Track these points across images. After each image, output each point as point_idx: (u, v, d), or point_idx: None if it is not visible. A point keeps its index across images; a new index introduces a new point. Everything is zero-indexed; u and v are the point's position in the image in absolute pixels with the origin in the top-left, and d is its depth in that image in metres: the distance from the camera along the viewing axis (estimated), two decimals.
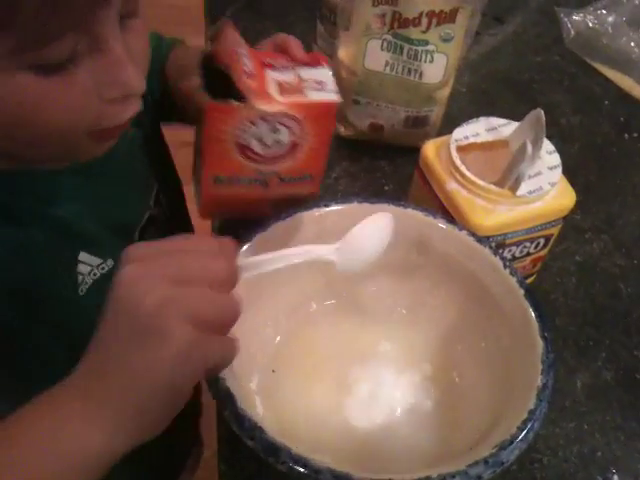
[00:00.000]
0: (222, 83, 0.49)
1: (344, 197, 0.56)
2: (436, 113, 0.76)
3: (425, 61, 0.71)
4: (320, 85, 0.52)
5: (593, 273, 0.70)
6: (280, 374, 0.56)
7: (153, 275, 0.35)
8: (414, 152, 0.65)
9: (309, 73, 0.53)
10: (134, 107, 0.44)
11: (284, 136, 0.52)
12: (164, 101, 0.63)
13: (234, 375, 0.46)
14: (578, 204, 0.60)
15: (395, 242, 0.56)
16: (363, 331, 0.59)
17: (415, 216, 0.55)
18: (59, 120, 0.40)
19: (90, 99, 0.41)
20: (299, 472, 0.40)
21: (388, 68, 0.72)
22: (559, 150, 0.61)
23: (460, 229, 0.54)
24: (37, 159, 0.46)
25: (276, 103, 0.49)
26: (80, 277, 0.49)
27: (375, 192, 0.74)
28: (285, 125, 0.51)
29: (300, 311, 0.59)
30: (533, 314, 0.49)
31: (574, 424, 0.58)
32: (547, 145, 0.61)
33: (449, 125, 0.64)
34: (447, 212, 0.59)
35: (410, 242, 0.56)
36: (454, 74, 0.74)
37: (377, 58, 0.71)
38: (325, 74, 0.53)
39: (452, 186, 0.59)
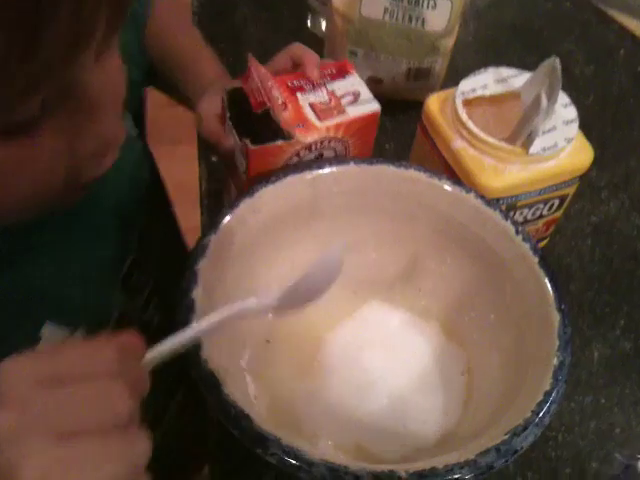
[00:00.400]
0: (249, 117, 0.48)
1: (339, 157, 0.51)
2: (440, 64, 0.70)
3: (428, 7, 0.65)
4: (355, 97, 0.51)
5: (610, 235, 0.66)
6: (275, 347, 0.52)
7: (35, 429, 0.27)
8: (417, 107, 0.60)
9: (340, 86, 0.52)
10: (113, 156, 0.38)
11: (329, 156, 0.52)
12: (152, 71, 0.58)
13: (220, 354, 0.42)
14: (593, 160, 0.55)
15: (396, 206, 0.52)
16: (363, 302, 0.55)
17: (418, 178, 0.50)
18: (26, 187, 0.33)
19: (61, 159, 0.34)
20: (290, 464, 0.36)
21: (387, 15, 0.66)
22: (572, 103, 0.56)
23: (467, 191, 0.49)
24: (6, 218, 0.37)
25: (317, 130, 0.49)
26: None
27: (374, 151, 0.69)
28: (330, 148, 0.51)
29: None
30: (548, 284, 0.45)
31: (590, 398, 0.54)
32: (562, 97, 0.56)
33: (454, 78, 0.59)
34: (453, 172, 0.54)
35: (412, 206, 0.51)
36: (459, 22, 0.68)
37: (375, 4, 0.65)
38: (357, 82, 0.52)
39: (458, 144, 0.53)
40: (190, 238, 0.67)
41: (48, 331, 0.43)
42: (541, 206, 0.56)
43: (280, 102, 0.49)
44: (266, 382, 0.50)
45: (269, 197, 0.48)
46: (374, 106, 0.50)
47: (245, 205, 0.47)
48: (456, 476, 0.37)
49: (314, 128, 0.49)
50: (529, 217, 0.56)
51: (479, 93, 0.55)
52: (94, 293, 0.49)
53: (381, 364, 0.51)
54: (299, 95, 0.50)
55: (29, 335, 0.43)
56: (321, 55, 0.65)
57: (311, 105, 0.50)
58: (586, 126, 0.56)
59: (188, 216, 0.73)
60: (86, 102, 0.33)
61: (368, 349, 0.52)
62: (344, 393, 0.50)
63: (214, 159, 0.67)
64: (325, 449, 0.46)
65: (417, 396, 0.49)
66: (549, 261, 0.46)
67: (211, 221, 0.47)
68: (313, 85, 0.51)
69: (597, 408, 0.54)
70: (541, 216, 0.57)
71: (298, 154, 0.50)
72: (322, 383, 0.50)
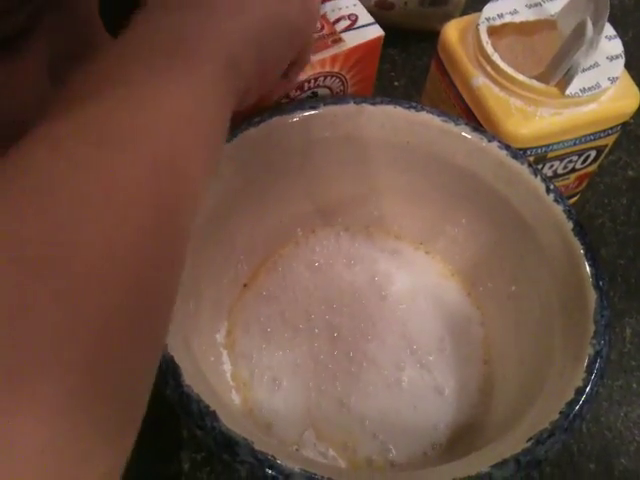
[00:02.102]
0: None
1: (335, 96, 0.43)
2: None
3: None
4: (352, 21, 0.43)
5: None
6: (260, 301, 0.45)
7: None
8: (432, 38, 0.51)
9: (333, 8, 0.43)
10: None
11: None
12: None
13: (185, 329, 0.35)
14: None
15: (404, 156, 0.44)
16: (363, 265, 0.47)
17: (431, 122, 0.42)
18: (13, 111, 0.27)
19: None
20: (264, 475, 0.30)
21: None
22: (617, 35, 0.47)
23: (490, 139, 0.41)
24: None
25: (310, 66, 0.40)
26: None
27: (382, 89, 0.60)
28: (325, 86, 0.43)
29: (282, 238, 0.47)
30: (585, 256, 0.37)
31: (620, 382, 0.47)
32: (607, 28, 0.46)
33: (476, 6, 0.49)
34: (473, 116, 0.45)
35: (424, 156, 0.43)
36: None
37: None
38: (351, 2, 0.43)
39: (480, 81, 0.45)
40: None
41: None
42: (575, 158, 0.47)
43: None
44: (246, 358, 0.43)
45: (251, 143, 0.40)
46: (376, 31, 0.42)
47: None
48: None
49: None
50: (560, 171, 0.48)
51: (507, 20, 0.46)
52: None
53: (386, 340, 0.44)
54: None
55: None
56: None
57: None
58: (625, 64, 0.47)
59: None
60: (79, 18, 0.27)
61: (369, 324, 0.44)
62: (339, 371, 0.43)
63: None
64: (308, 442, 0.40)
65: (428, 380, 0.42)
66: (585, 228, 0.38)
67: None
68: None
69: (628, 394, 0.47)
70: (573, 170, 0.49)
71: (287, 95, 0.41)
72: (308, 357, 0.43)
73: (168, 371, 0.32)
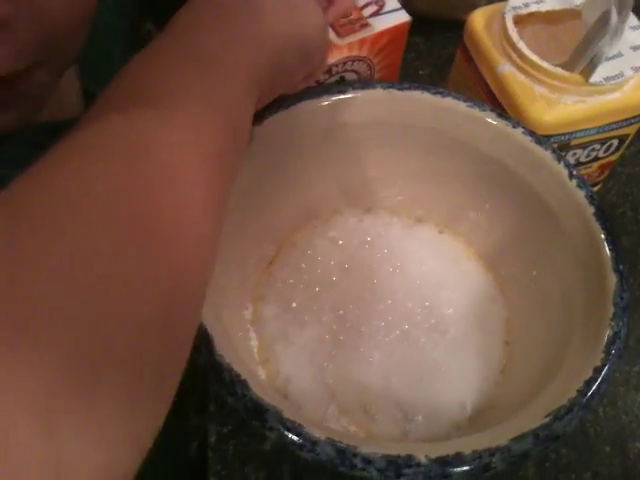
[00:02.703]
0: None
1: (363, 81, 0.44)
2: None
3: None
4: (380, 6, 0.43)
5: None
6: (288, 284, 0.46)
7: None
8: (457, 28, 0.51)
9: None
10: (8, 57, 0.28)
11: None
12: None
13: (216, 305, 0.36)
14: None
15: (429, 141, 0.44)
16: (387, 245, 0.48)
17: (456, 108, 0.42)
18: None
19: None
20: (292, 441, 0.31)
21: None
22: None
23: (514, 126, 0.42)
24: None
25: (339, 49, 0.42)
26: None
27: (407, 77, 0.61)
28: (353, 70, 0.44)
29: (307, 218, 0.48)
30: (605, 240, 0.38)
31: (638, 367, 0.48)
32: (630, 18, 0.47)
33: None
34: (498, 103, 0.46)
35: (449, 141, 0.44)
36: None
37: None
38: None
39: (506, 68, 0.45)
40: None
41: None
42: (598, 146, 0.48)
43: None
44: (273, 336, 0.44)
45: (280, 125, 0.41)
46: (403, 16, 0.43)
47: (252, 134, 0.40)
48: (485, 463, 0.31)
49: (334, 47, 0.42)
50: (582, 159, 0.49)
51: (533, 9, 0.47)
52: None
53: (408, 318, 0.45)
54: None
55: None
56: None
57: None
58: None
59: None
60: None
61: (395, 302, 0.45)
62: (363, 347, 0.44)
63: None
64: (330, 418, 0.41)
65: (450, 358, 0.43)
66: (606, 213, 0.39)
67: None
68: None
69: None
70: (596, 158, 0.50)
71: (317, 79, 0.42)
72: (332, 336, 0.44)
73: (202, 341, 0.33)
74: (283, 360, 0.43)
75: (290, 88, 0.35)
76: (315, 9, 0.34)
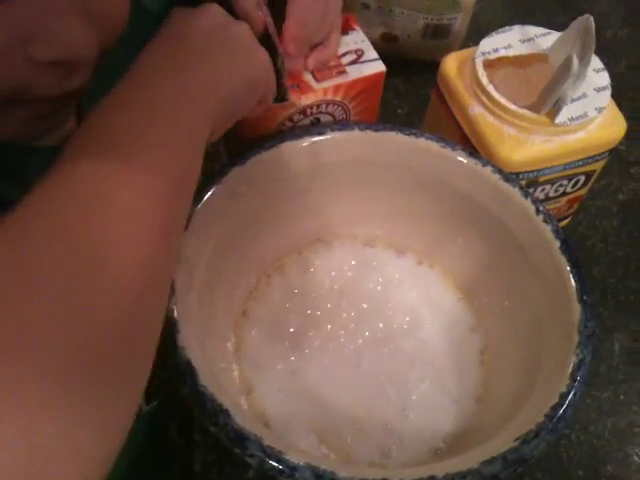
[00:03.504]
0: None
1: (342, 122, 0.46)
2: (461, 21, 0.64)
3: None
4: (358, 55, 0.46)
5: (638, 215, 0.60)
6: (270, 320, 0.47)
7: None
8: (433, 68, 0.54)
9: (342, 43, 0.47)
10: (80, 76, 0.29)
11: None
12: None
13: (201, 336, 0.38)
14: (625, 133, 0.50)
15: (405, 179, 0.47)
16: (366, 279, 0.50)
17: (429, 148, 0.45)
18: None
19: (10, 57, 0.27)
20: (272, 467, 0.33)
21: None
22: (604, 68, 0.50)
23: (484, 164, 0.44)
24: None
25: (314, 92, 0.44)
26: None
27: (386, 116, 0.64)
28: (328, 113, 0.46)
29: (289, 250, 0.50)
30: (570, 272, 0.40)
31: (608, 394, 0.50)
32: (594, 61, 0.50)
33: (475, 37, 0.53)
34: (469, 142, 0.49)
35: (423, 179, 0.46)
36: None
37: None
38: (360, 39, 0.47)
39: (476, 110, 0.48)
40: None
41: None
42: (565, 182, 0.51)
43: None
44: (255, 367, 0.46)
45: (263, 165, 0.44)
46: (379, 66, 0.45)
47: (236, 174, 0.43)
48: None
49: (310, 89, 0.44)
50: (551, 194, 0.51)
51: (502, 53, 0.50)
52: None
53: (387, 346, 0.47)
54: None
55: None
56: None
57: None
58: (617, 95, 0.50)
59: None
60: None
61: (372, 332, 0.47)
62: (342, 377, 0.45)
63: None
64: (310, 446, 0.43)
65: (429, 386, 0.45)
66: (572, 246, 0.41)
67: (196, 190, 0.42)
68: None
69: (615, 405, 0.50)
70: (564, 193, 0.52)
71: (291, 119, 0.45)
72: (312, 364, 0.46)
73: (186, 372, 0.35)
74: (264, 390, 0.45)
75: (246, 115, 0.39)
76: (259, 49, 0.38)
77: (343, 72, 0.44)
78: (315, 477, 0.32)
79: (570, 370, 0.37)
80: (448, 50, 0.56)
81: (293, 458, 0.32)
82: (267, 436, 0.33)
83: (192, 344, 0.36)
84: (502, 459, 0.33)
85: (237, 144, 0.45)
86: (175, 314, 0.36)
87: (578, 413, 0.49)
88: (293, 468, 0.32)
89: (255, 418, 0.44)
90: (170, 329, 0.36)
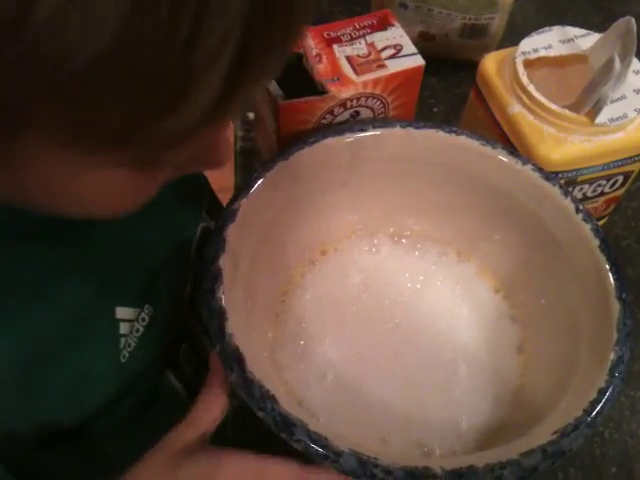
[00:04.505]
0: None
1: (383, 120, 0.47)
2: (498, 21, 0.65)
3: None
4: (397, 50, 0.47)
5: None
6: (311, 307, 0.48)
7: None
8: (470, 68, 0.55)
9: (381, 38, 0.48)
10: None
11: (366, 115, 0.48)
12: None
13: (245, 328, 0.39)
14: None
15: (444, 176, 0.48)
16: (402, 276, 0.51)
17: (469, 145, 0.46)
18: (126, 205, 0.32)
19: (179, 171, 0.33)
20: (317, 453, 0.34)
21: None
22: None
23: (524, 163, 0.45)
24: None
25: (354, 85, 0.45)
26: (122, 341, 0.39)
27: (422, 115, 0.64)
28: (367, 106, 0.47)
29: (327, 244, 0.51)
30: (609, 270, 0.40)
31: None
32: (634, 63, 0.50)
33: (511, 37, 0.54)
34: (508, 141, 0.49)
35: (462, 177, 0.47)
36: None
37: None
38: (399, 35, 0.48)
39: (516, 109, 0.49)
40: (223, 197, 0.64)
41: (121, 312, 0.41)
42: (603, 182, 0.51)
43: (314, 53, 0.45)
44: (296, 357, 0.47)
45: (306, 160, 0.45)
46: (417, 60, 0.46)
47: (279, 168, 0.44)
48: (496, 476, 0.33)
49: (350, 83, 0.45)
50: (589, 194, 0.52)
51: (542, 54, 0.50)
52: None
53: (424, 343, 0.47)
54: (335, 47, 0.46)
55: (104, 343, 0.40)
56: (368, 8, 0.60)
57: (348, 58, 0.46)
58: None
59: (222, 174, 0.69)
60: (218, 140, 0.32)
61: (409, 325, 0.48)
62: (381, 367, 0.46)
63: (251, 116, 0.64)
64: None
65: (467, 382, 0.46)
66: (611, 245, 0.41)
67: (244, 183, 0.43)
68: (351, 36, 0.47)
69: None
70: (602, 193, 0.52)
71: (332, 111, 0.46)
72: (351, 356, 0.47)
73: (234, 359, 0.36)
74: (302, 380, 0.46)
75: None
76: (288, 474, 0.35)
77: (382, 66, 0.45)
78: (359, 463, 0.33)
79: (609, 366, 0.37)
80: (484, 50, 0.57)
81: (338, 444, 0.34)
82: (312, 423, 0.34)
83: (239, 332, 0.37)
84: (541, 451, 0.34)
85: (278, 140, 0.46)
86: (223, 302, 0.38)
87: (612, 411, 0.49)
88: (338, 454, 0.33)
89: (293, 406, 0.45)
90: (219, 317, 0.37)
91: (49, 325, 0.35)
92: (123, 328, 0.40)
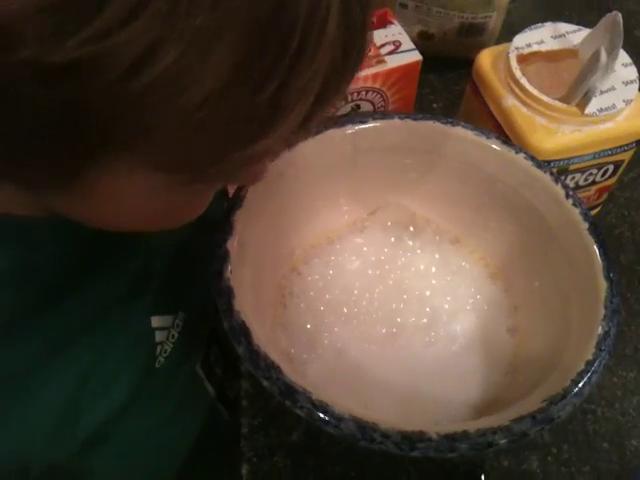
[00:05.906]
0: None
1: (383, 112, 0.50)
2: (494, 20, 0.67)
3: None
4: (396, 46, 0.50)
5: None
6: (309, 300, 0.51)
7: None
8: (467, 66, 0.57)
9: (380, 35, 0.51)
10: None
11: (366, 109, 0.50)
12: None
13: (252, 306, 0.41)
14: None
15: (441, 166, 0.50)
16: (402, 262, 0.53)
17: (465, 136, 0.48)
18: (172, 220, 0.36)
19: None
20: (319, 418, 0.36)
21: None
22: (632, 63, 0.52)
23: (517, 152, 0.47)
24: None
25: (354, 80, 0.46)
26: (158, 348, 0.42)
27: (422, 111, 0.67)
28: (367, 100, 0.50)
29: (331, 232, 0.54)
30: (597, 251, 0.43)
31: (634, 374, 0.52)
32: (622, 56, 0.52)
33: (508, 35, 0.56)
34: (503, 132, 0.52)
35: (459, 166, 0.49)
36: None
37: None
38: (397, 32, 0.51)
39: (510, 102, 0.51)
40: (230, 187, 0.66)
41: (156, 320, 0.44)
42: (594, 171, 0.53)
43: None
44: (298, 334, 0.49)
45: (308, 150, 0.47)
46: (415, 56, 0.49)
47: (283, 157, 0.46)
48: (488, 441, 0.36)
49: None
50: (581, 183, 0.54)
51: (535, 48, 0.52)
52: None
53: (421, 324, 0.49)
54: None
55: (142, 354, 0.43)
56: None
57: None
58: None
59: None
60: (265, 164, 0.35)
61: (408, 308, 0.50)
62: (377, 351, 0.48)
63: None
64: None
65: (459, 357, 0.48)
66: (599, 228, 0.44)
67: None
68: None
69: None
70: (594, 182, 0.55)
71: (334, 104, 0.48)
72: (349, 336, 0.49)
73: (241, 333, 0.38)
74: (304, 359, 0.48)
75: None
76: None
77: (382, 61, 0.48)
78: (358, 427, 0.35)
79: (596, 340, 0.39)
80: (482, 48, 0.59)
81: (339, 410, 0.36)
82: (315, 391, 0.37)
83: (246, 309, 0.39)
84: (531, 418, 0.36)
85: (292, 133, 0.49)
86: (231, 282, 0.40)
87: (605, 391, 0.51)
88: (339, 419, 0.35)
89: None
90: (227, 295, 0.39)
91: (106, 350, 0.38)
92: (159, 336, 0.43)
